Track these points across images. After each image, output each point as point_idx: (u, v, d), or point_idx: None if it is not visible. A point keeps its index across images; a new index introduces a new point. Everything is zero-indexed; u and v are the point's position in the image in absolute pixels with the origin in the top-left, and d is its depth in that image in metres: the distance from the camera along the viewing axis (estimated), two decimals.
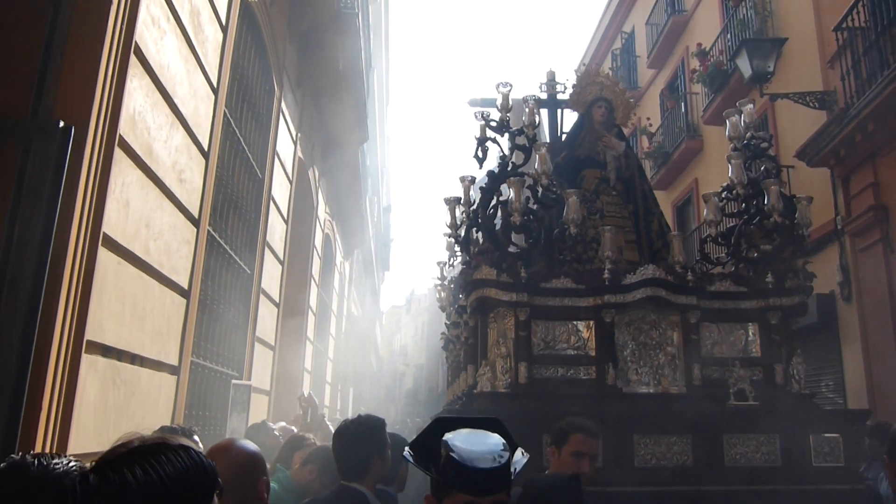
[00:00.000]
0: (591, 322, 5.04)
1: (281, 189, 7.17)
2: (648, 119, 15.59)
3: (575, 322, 5.07)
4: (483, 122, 5.51)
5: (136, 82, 3.26)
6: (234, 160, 5.42)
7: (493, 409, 4.29)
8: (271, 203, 6.61)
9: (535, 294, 4.97)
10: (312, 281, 9.89)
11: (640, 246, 6.07)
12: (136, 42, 3.17)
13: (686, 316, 5.05)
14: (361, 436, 3.01)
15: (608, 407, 4.61)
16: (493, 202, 5.31)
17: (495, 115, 5.50)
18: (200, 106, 4.30)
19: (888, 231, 7.80)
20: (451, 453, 1.76)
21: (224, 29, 4.74)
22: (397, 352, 54.90)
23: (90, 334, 2.89)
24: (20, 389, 2.49)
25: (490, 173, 5.39)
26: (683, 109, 14.29)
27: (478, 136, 5.51)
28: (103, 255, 2.98)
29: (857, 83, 8.09)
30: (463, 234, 5.56)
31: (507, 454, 1.79)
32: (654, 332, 5.07)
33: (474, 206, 5.41)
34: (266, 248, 6.50)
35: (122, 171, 3.15)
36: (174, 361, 4.08)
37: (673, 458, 4.51)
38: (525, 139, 5.40)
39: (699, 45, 12.77)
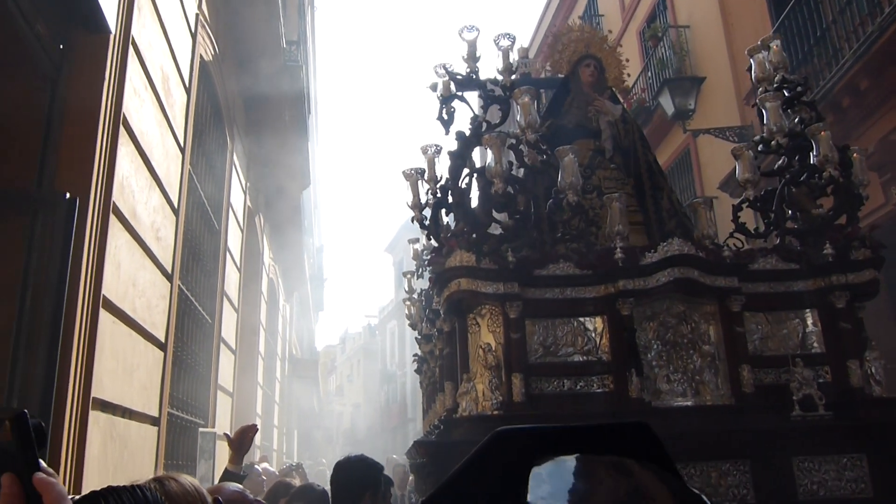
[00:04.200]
0: (603, 317, 4.03)
1: (234, 238, 7.31)
2: None
3: (582, 318, 4.06)
4: (446, 78, 4.59)
5: (124, 150, 3.44)
6: (195, 214, 5.58)
7: (480, 439, 3.33)
8: (227, 253, 6.75)
9: (527, 284, 3.98)
10: (261, 326, 9.96)
11: (648, 228, 4.97)
12: (123, 113, 3.37)
13: (726, 303, 4.03)
14: (351, 472, 3.23)
15: None
16: (465, 172, 4.35)
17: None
18: (171, 166, 4.49)
19: None
20: None
21: (188, 90, 4.94)
22: (333, 392, 54.25)
23: (94, 391, 3.04)
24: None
25: (460, 135, 4.40)
26: None
27: (441, 93, 4.58)
28: (102, 315, 3.14)
29: None
30: (430, 215, 4.57)
31: None
32: (683, 326, 4.03)
33: (441, 182, 4.46)
34: (224, 298, 6.62)
35: (115, 235, 3.32)
36: (155, 413, 4.20)
37: (728, 492, 3.53)
38: (501, 89, 4.43)
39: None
